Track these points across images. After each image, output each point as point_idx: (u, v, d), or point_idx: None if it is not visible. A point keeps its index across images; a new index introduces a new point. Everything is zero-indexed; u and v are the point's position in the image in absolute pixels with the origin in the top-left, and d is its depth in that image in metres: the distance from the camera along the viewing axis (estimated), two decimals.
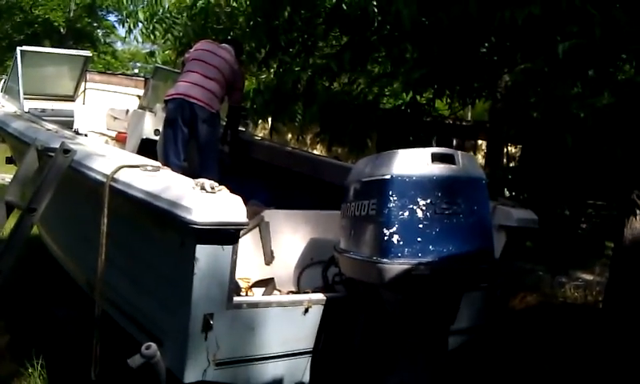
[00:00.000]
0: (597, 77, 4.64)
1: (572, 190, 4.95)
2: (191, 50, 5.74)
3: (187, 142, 5.32)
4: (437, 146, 3.07)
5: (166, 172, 3.15)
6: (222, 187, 2.74)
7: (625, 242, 5.39)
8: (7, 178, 11.64)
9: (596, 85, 4.67)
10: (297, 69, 6.32)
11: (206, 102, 5.29)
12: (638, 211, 5.03)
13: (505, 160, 8.53)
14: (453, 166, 2.86)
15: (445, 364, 3.01)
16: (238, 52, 5.88)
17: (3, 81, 7.21)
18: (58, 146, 3.33)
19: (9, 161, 6.42)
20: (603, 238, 5.58)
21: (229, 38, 6.36)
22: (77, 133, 4.88)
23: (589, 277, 7.28)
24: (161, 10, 7.57)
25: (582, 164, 4.55)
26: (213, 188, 2.70)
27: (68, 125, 5.65)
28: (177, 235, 2.70)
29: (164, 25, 7.58)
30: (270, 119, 7.54)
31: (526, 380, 4.10)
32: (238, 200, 2.69)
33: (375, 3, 5.04)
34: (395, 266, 2.69)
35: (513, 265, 4.00)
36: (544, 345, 4.53)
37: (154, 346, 2.66)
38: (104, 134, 7.03)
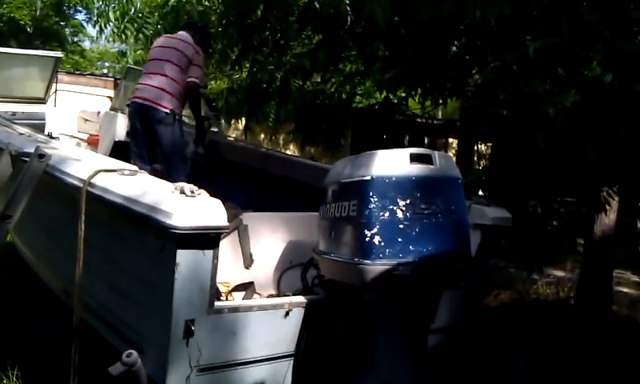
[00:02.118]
0: (566, 75, 4.73)
1: (542, 188, 5.04)
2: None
3: (151, 144, 5.27)
4: (409, 144, 3.09)
5: (144, 176, 3.12)
6: (202, 191, 2.72)
7: (594, 237, 5.52)
8: None
9: (565, 83, 4.76)
10: (270, 68, 6.31)
11: (157, 102, 5.19)
12: (607, 208, 5.14)
13: (475, 158, 8.63)
14: (431, 166, 2.90)
15: (424, 363, 3.04)
16: (196, 33, 5.64)
17: None
18: (32, 150, 3.27)
19: None
20: (574, 235, 5.70)
21: (187, 22, 6.17)
22: (50, 136, 4.80)
23: (560, 273, 7.43)
24: (132, 10, 7.50)
25: (552, 162, 4.64)
26: (193, 192, 2.67)
27: (40, 128, 5.55)
28: (157, 240, 2.68)
29: (135, 24, 7.51)
30: (243, 119, 7.53)
31: (503, 376, 4.15)
32: (218, 203, 2.67)
33: (348, 2, 5.06)
34: (377, 267, 2.71)
35: (488, 263, 4.06)
36: (518, 341, 4.60)
37: (134, 353, 2.62)
38: (75, 137, 6.93)
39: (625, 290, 7.81)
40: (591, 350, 4.63)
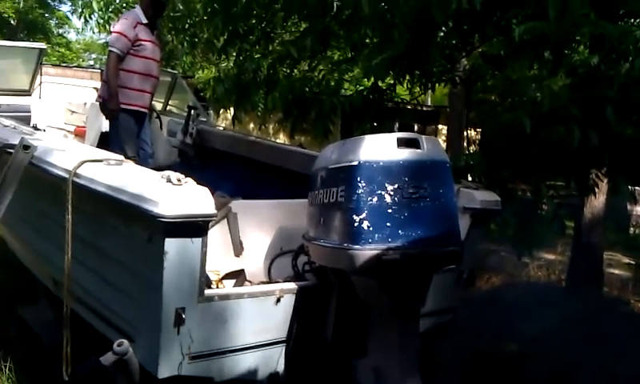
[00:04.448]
0: (552, 58, 4.74)
1: (531, 172, 5.06)
2: None
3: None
4: (399, 131, 3.10)
5: (130, 165, 3.11)
6: (189, 179, 2.71)
7: (584, 220, 5.55)
8: None
9: (552, 66, 4.77)
10: (257, 56, 6.28)
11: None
12: (596, 190, 5.16)
13: (465, 144, 8.66)
14: (418, 150, 2.89)
15: (416, 347, 3.06)
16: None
17: None
18: (17, 142, 3.25)
19: None
20: (563, 218, 5.72)
21: None
22: (35, 128, 4.76)
23: (551, 256, 7.47)
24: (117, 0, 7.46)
25: (541, 146, 4.65)
26: (179, 180, 2.66)
27: (25, 120, 5.50)
28: (144, 229, 2.67)
29: (120, 14, 7.46)
30: (231, 108, 7.49)
31: (495, 361, 4.18)
32: (205, 191, 2.67)
33: None
34: (366, 252, 2.71)
35: (478, 246, 4.07)
36: (511, 325, 4.63)
37: (125, 342, 2.63)
38: (62, 129, 6.88)
39: (616, 271, 7.87)
40: (584, 332, 4.66)
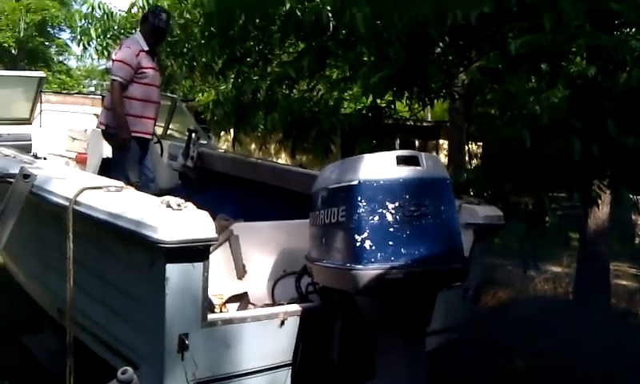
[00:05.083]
0: (550, 71, 4.74)
1: (533, 184, 5.04)
2: None
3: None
4: (400, 147, 3.08)
5: (130, 191, 3.10)
6: (189, 203, 2.70)
7: (589, 232, 5.52)
8: None
9: (550, 79, 4.77)
10: (255, 78, 6.30)
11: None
12: (599, 201, 5.13)
13: (467, 158, 8.64)
14: (418, 167, 2.88)
15: (424, 366, 3.02)
16: (142, 24, 5.52)
17: None
18: (17, 171, 3.25)
19: None
20: (567, 230, 5.69)
21: None
22: (35, 156, 4.76)
23: (557, 269, 7.42)
24: (115, 26, 7.49)
25: (542, 158, 4.64)
26: (179, 205, 2.66)
27: (26, 149, 5.51)
28: (145, 255, 2.66)
29: (118, 41, 7.49)
30: (232, 130, 7.49)
31: (504, 377, 4.12)
32: (205, 215, 2.66)
33: (329, 8, 5.07)
34: (369, 272, 2.69)
35: (483, 262, 4.04)
36: (520, 340, 4.57)
37: (130, 370, 2.60)
38: (63, 156, 6.89)
39: (623, 282, 7.81)
40: (593, 345, 4.61)
